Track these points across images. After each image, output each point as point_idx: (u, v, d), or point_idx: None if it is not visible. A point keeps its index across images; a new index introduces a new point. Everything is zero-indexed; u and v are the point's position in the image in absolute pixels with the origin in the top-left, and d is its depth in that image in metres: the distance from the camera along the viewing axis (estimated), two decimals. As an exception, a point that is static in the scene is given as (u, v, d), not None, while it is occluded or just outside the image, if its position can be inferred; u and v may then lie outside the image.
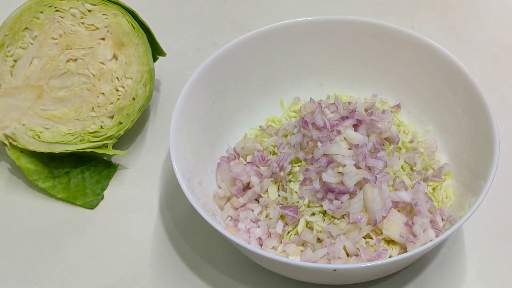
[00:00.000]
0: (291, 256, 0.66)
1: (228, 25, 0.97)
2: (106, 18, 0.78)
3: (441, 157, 0.74)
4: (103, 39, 0.78)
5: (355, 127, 0.70)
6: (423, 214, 0.66)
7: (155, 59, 0.84)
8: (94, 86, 0.77)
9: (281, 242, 0.68)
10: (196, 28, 0.97)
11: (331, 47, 0.79)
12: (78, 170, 0.78)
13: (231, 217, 0.72)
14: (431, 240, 0.64)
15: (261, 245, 0.68)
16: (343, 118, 0.70)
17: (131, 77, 0.77)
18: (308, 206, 0.67)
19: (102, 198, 0.77)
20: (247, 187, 0.72)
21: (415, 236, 0.65)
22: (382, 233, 0.66)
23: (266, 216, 0.69)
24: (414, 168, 0.72)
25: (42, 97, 0.76)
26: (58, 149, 0.75)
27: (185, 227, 0.73)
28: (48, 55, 0.77)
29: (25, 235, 0.74)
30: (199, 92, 0.74)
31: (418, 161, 0.72)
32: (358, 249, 0.65)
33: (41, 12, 0.77)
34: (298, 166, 0.70)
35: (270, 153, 0.74)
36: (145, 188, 0.77)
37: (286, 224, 0.68)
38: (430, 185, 0.71)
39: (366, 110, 0.72)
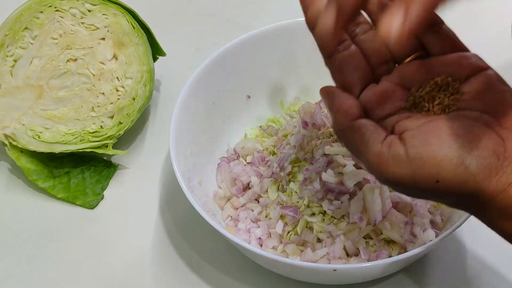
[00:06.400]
0: (291, 256, 0.66)
1: (228, 25, 0.97)
2: (106, 18, 0.78)
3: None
4: (103, 39, 0.78)
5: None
6: (423, 214, 0.66)
7: (155, 59, 0.84)
8: (94, 86, 0.77)
9: (281, 242, 0.68)
10: (196, 28, 0.97)
11: (331, 47, 0.79)
12: (78, 170, 0.78)
13: (231, 217, 0.71)
14: (431, 240, 0.64)
15: (261, 245, 0.68)
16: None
17: (131, 77, 0.77)
18: (308, 206, 0.67)
19: (102, 198, 0.77)
20: (247, 187, 0.72)
21: (415, 236, 0.65)
22: (382, 233, 0.66)
23: (266, 216, 0.69)
24: (414, 168, 0.72)
25: (42, 97, 0.76)
26: (58, 149, 0.75)
27: (185, 227, 0.73)
28: (48, 55, 0.77)
29: (25, 235, 0.74)
30: (199, 92, 0.74)
31: (418, 161, 0.72)
32: (358, 249, 0.65)
33: (41, 12, 0.77)
34: (298, 166, 0.70)
35: (270, 153, 0.74)
36: (145, 188, 0.77)
37: (286, 224, 0.68)
38: (430, 185, 0.71)
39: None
